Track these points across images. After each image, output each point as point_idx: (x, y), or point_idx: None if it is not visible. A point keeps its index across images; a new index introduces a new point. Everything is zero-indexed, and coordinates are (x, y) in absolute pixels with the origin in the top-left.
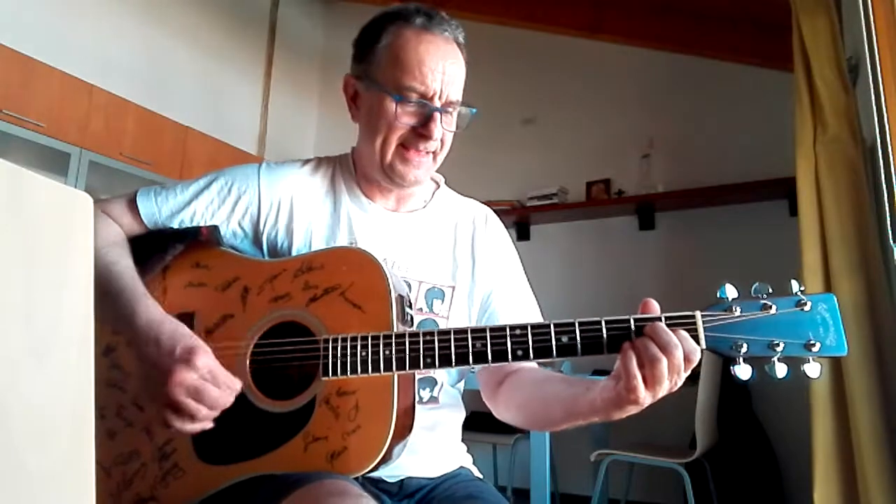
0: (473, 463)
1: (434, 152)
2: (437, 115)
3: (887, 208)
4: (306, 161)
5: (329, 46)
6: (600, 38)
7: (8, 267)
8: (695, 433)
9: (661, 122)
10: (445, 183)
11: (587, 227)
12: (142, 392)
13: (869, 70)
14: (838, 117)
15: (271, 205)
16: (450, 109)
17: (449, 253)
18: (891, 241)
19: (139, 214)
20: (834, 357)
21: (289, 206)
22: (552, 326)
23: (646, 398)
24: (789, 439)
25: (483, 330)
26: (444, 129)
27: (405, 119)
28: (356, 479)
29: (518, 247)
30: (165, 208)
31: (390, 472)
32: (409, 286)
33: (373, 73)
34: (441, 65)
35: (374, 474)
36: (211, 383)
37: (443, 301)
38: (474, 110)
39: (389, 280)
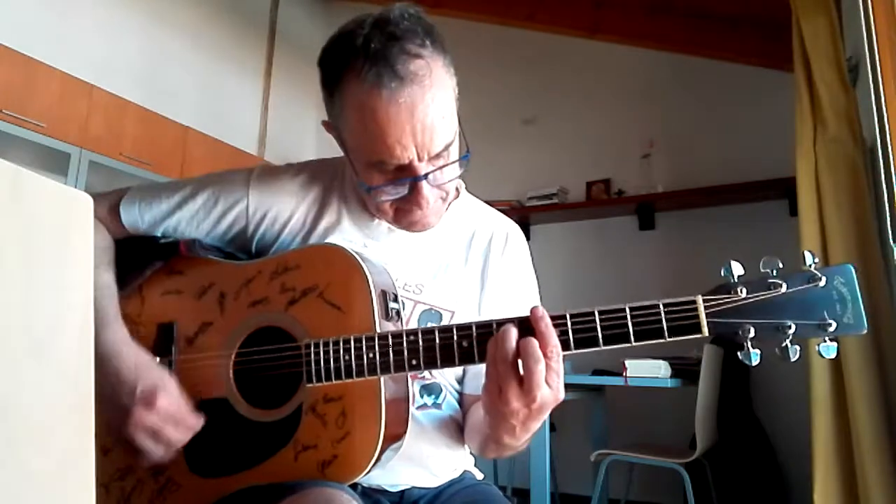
0: (475, 464)
1: (442, 198)
2: (423, 183)
3: (887, 208)
4: (302, 168)
5: None
6: (600, 38)
7: (8, 267)
8: (695, 433)
9: (662, 122)
10: (466, 188)
11: (587, 227)
12: (101, 420)
13: (869, 70)
14: (838, 117)
15: (261, 219)
16: (439, 164)
17: (456, 274)
18: (891, 241)
19: (121, 222)
20: (852, 335)
21: (280, 221)
22: None
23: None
24: (789, 439)
25: (469, 327)
26: (439, 186)
27: (388, 195)
28: (355, 485)
29: None
30: (148, 216)
31: (391, 482)
32: (403, 305)
33: (341, 131)
34: (409, 127)
35: (375, 484)
36: (171, 425)
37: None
38: (467, 156)
39: (368, 276)
